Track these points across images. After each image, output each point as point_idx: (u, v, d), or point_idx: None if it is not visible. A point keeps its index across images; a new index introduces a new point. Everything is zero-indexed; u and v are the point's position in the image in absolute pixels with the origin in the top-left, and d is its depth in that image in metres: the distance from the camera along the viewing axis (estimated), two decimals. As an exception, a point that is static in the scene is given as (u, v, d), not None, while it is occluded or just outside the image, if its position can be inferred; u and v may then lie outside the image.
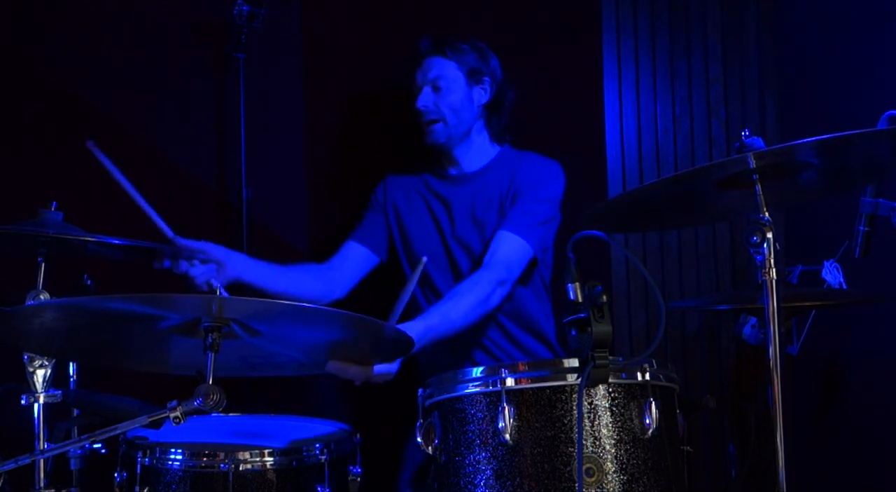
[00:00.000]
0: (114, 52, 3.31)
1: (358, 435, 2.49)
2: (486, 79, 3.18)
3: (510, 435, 2.09)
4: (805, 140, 2.06)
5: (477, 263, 3.10)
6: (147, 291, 2.00)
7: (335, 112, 3.49)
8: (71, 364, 2.66)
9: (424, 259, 2.84)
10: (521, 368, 2.16)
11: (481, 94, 3.18)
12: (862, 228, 2.58)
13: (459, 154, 3.21)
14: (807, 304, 2.96)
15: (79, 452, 2.55)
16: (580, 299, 2.08)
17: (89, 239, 2.44)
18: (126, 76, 3.31)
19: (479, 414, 2.15)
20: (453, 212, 3.19)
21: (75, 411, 2.52)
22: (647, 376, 2.15)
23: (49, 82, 3.25)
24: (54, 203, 2.49)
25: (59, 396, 2.34)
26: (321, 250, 3.45)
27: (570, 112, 3.31)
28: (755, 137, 2.21)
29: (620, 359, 2.14)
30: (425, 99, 3.13)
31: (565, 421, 2.09)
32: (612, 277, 3.72)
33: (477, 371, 2.19)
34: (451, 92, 3.14)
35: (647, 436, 2.12)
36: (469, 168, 3.22)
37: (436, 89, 3.13)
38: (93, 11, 3.29)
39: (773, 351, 2.12)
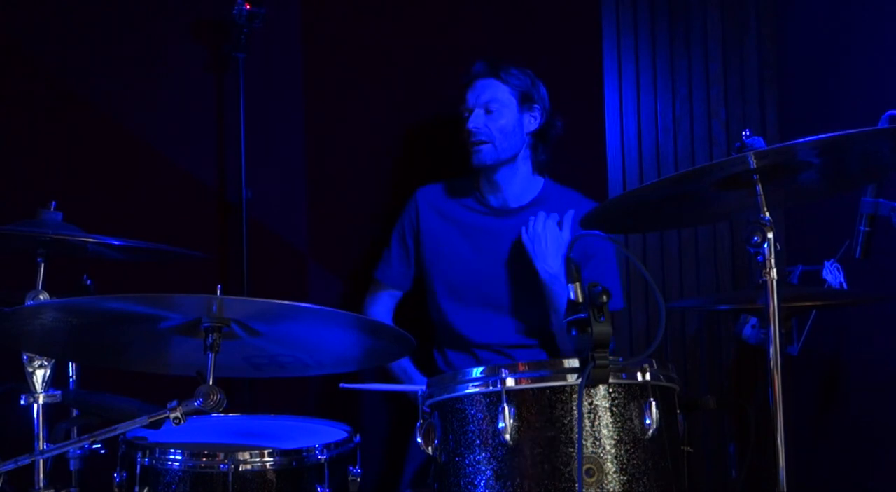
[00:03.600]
0: (114, 51, 3.31)
1: (358, 435, 2.49)
2: (537, 106, 3.18)
3: (510, 435, 2.09)
4: (805, 139, 2.06)
5: (517, 298, 3.15)
6: (147, 291, 2.00)
7: (335, 112, 3.48)
8: (71, 364, 2.65)
9: None
10: (522, 368, 2.16)
11: (531, 121, 3.18)
12: (862, 228, 2.58)
13: (503, 181, 3.20)
14: (807, 304, 2.96)
15: (78, 452, 2.55)
16: (580, 299, 2.08)
17: (89, 239, 2.44)
18: (126, 76, 3.31)
19: (480, 414, 2.15)
20: (495, 246, 3.19)
21: (75, 412, 2.51)
22: (647, 376, 2.15)
23: (49, 82, 3.25)
24: (54, 203, 2.48)
25: (59, 396, 2.34)
26: (321, 250, 3.45)
27: (570, 112, 3.31)
28: (756, 137, 2.21)
29: (620, 359, 2.14)
30: (476, 121, 3.13)
31: (565, 421, 2.09)
32: (612, 277, 3.72)
33: (477, 371, 2.19)
34: (503, 115, 3.14)
35: (647, 436, 2.12)
36: (514, 202, 3.21)
37: (487, 112, 3.13)
38: (93, 11, 3.29)
39: (774, 351, 2.12)
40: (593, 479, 2.08)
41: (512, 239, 3.18)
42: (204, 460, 2.30)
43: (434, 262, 3.24)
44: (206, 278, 3.23)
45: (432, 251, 3.24)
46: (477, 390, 2.16)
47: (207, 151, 3.36)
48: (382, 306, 3.30)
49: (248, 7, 3.19)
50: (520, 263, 3.16)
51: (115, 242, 2.47)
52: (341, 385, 2.84)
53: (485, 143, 3.13)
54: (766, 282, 2.12)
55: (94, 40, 3.30)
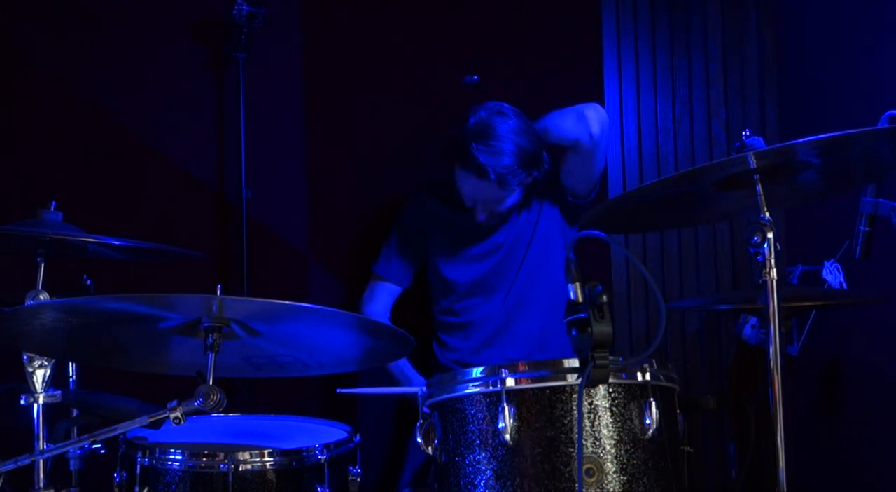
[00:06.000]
0: (114, 51, 3.30)
1: (358, 435, 2.49)
2: (535, 172, 3.07)
3: (510, 435, 2.09)
4: (805, 139, 2.06)
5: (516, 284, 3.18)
6: (147, 291, 2.00)
7: (335, 112, 3.48)
8: (71, 364, 2.65)
9: None
10: (522, 368, 2.16)
11: (529, 181, 3.10)
12: (862, 228, 2.57)
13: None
14: (807, 304, 2.96)
15: (78, 452, 2.54)
16: (580, 300, 2.08)
17: (89, 239, 2.44)
18: (126, 76, 3.31)
19: (480, 414, 2.15)
20: (494, 240, 3.21)
21: (75, 411, 2.51)
22: (647, 376, 2.15)
23: (49, 82, 3.25)
24: (54, 203, 2.48)
25: (59, 396, 2.33)
26: (321, 250, 3.45)
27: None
28: (756, 137, 2.21)
29: (620, 359, 2.14)
30: (481, 212, 3.11)
31: (565, 421, 2.09)
32: (612, 277, 3.72)
33: (477, 371, 2.19)
34: (506, 201, 3.09)
35: (647, 436, 2.12)
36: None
37: (489, 203, 3.08)
38: (93, 11, 3.28)
39: (774, 351, 2.12)
40: (593, 479, 2.08)
41: (504, 233, 3.20)
42: (204, 460, 2.30)
43: (432, 257, 3.25)
44: (206, 278, 3.23)
45: (431, 247, 3.25)
46: (477, 390, 2.16)
47: (207, 151, 3.36)
48: (380, 302, 3.29)
49: (248, 7, 3.19)
50: (510, 253, 3.19)
51: (115, 242, 2.47)
52: (338, 390, 2.84)
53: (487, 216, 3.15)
54: (766, 282, 2.12)
55: (94, 40, 3.29)
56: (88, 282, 2.64)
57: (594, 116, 3.07)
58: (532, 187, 3.16)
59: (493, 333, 3.21)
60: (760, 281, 2.14)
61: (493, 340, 3.20)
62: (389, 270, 3.29)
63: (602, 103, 3.67)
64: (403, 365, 3.20)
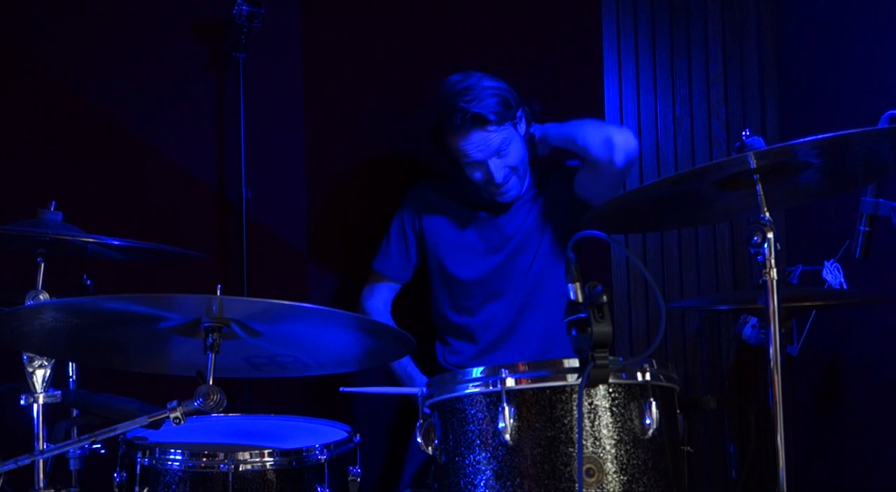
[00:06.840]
0: (114, 51, 3.31)
1: (358, 435, 2.49)
2: (519, 111, 3.11)
3: (510, 435, 2.09)
4: (805, 139, 2.06)
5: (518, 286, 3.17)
6: (147, 291, 2.00)
7: (335, 112, 3.48)
8: (70, 364, 2.65)
9: None
10: (522, 368, 2.16)
11: (522, 125, 3.14)
12: (862, 228, 2.57)
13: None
14: (807, 304, 2.96)
15: (78, 452, 2.55)
16: (580, 299, 2.08)
17: (89, 239, 2.44)
18: (126, 76, 3.31)
19: (480, 414, 2.15)
20: (495, 236, 3.21)
21: (75, 412, 2.51)
22: (648, 376, 2.15)
23: (49, 82, 3.25)
24: (54, 203, 2.48)
25: (59, 396, 2.33)
26: (321, 250, 3.45)
27: (570, 112, 3.30)
28: (756, 137, 2.22)
29: (620, 359, 2.14)
30: (499, 172, 3.06)
31: (565, 421, 2.09)
32: (612, 277, 3.72)
33: (477, 371, 2.19)
34: (514, 149, 3.09)
35: (647, 436, 2.12)
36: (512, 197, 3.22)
37: (500, 157, 3.07)
38: (93, 11, 3.29)
39: (774, 351, 2.12)
40: (593, 479, 2.08)
41: (511, 228, 3.19)
42: (204, 460, 2.30)
43: (435, 254, 3.25)
44: (206, 278, 3.23)
45: (433, 243, 3.25)
46: (477, 390, 2.16)
47: (207, 151, 3.36)
48: (380, 299, 3.29)
49: (248, 7, 3.19)
50: (518, 251, 3.18)
51: (115, 242, 2.47)
52: (341, 389, 2.84)
53: (509, 180, 3.12)
54: (766, 282, 2.12)
55: (94, 40, 3.29)
56: (88, 282, 2.65)
57: (622, 145, 3.02)
58: (544, 179, 3.19)
59: (498, 337, 3.19)
60: (760, 281, 2.14)
61: (498, 344, 3.19)
62: (388, 266, 3.29)
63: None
64: (406, 364, 3.20)
